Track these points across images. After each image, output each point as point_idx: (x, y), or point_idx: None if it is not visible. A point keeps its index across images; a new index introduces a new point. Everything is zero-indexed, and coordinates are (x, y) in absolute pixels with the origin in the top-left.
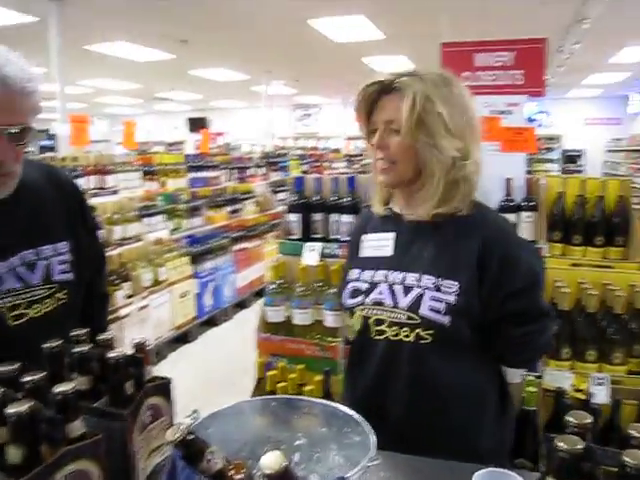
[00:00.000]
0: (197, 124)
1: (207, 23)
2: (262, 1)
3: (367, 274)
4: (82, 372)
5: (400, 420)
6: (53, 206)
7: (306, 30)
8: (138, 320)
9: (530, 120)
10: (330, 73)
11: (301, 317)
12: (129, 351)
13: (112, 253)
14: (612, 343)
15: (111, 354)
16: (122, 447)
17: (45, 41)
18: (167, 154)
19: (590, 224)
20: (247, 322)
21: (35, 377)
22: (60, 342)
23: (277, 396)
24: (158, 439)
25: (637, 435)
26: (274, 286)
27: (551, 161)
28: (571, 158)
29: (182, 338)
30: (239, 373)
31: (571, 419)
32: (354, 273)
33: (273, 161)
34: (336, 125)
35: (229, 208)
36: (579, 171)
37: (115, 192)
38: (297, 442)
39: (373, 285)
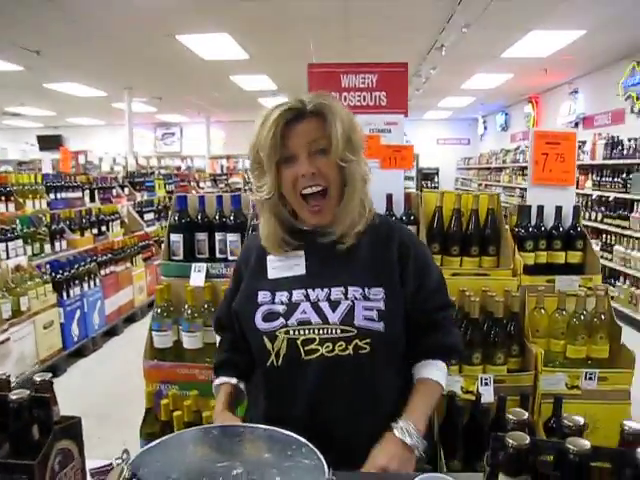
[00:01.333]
0: (50, 142)
1: (63, 33)
2: (124, 13)
3: (281, 295)
4: None
5: (345, 433)
6: None
7: (174, 46)
8: None
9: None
10: (196, 90)
11: (191, 340)
12: (29, 391)
13: None
14: (494, 345)
15: (13, 396)
16: None
17: None
18: (23, 174)
19: (466, 236)
20: (119, 350)
21: None
22: None
23: (206, 425)
24: None
25: (513, 418)
26: (160, 310)
27: (410, 179)
28: (427, 175)
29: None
30: (116, 405)
31: (511, 416)
32: (264, 295)
33: (138, 181)
34: (199, 144)
35: (94, 230)
36: (436, 187)
37: None
38: (235, 471)
39: (293, 305)
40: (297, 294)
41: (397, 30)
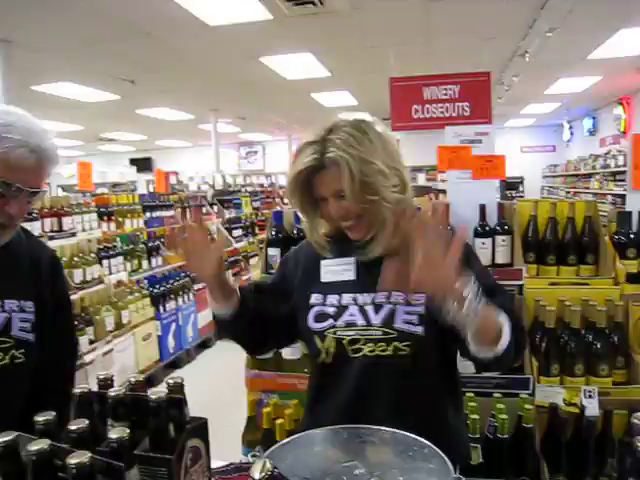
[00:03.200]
0: (142, 164)
1: (158, 63)
2: (214, 41)
3: (332, 298)
4: (118, 418)
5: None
6: (25, 267)
7: (257, 68)
8: (102, 366)
9: None
10: (279, 109)
11: (289, 351)
12: (165, 391)
13: (73, 297)
14: (597, 356)
15: (152, 395)
16: None
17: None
18: (122, 195)
19: (562, 244)
20: (212, 362)
21: (80, 426)
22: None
23: (338, 426)
24: None
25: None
26: None
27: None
28: (511, 185)
29: (147, 383)
30: (212, 413)
31: (637, 421)
32: (317, 298)
33: (225, 199)
34: (282, 161)
35: None
36: (521, 197)
37: (73, 234)
38: (357, 471)
39: (342, 308)
40: (346, 298)
41: (479, 39)
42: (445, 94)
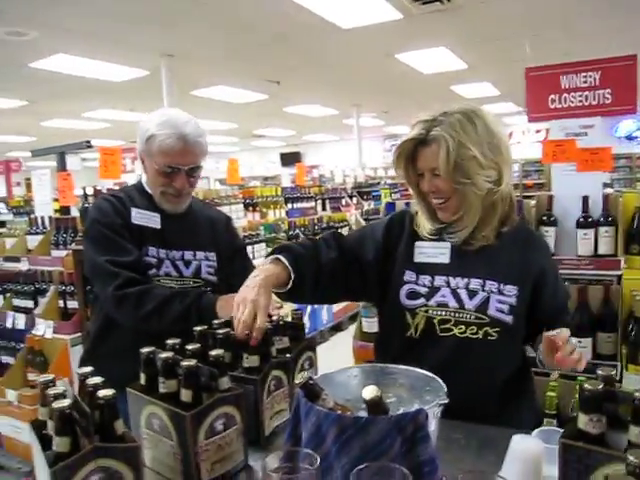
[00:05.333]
0: (290, 158)
1: (298, 64)
2: (349, 42)
3: (424, 278)
4: (226, 348)
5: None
6: (208, 227)
7: (394, 64)
8: None
9: (629, 138)
10: (419, 103)
11: (367, 325)
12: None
13: None
14: None
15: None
16: (255, 404)
17: (157, 91)
18: (266, 187)
19: None
20: (343, 343)
21: (195, 346)
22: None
23: (374, 364)
24: (280, 404)
25: None
26: None
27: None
28: None
29: None
30: None
31: None
32: (410, 275)
33: (365, 191)
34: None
35: None
36: None
37: None
38: (388, 400)
39: (434, 289)
40: (439, 280)
41: (622, 18)
42: (585, 82)
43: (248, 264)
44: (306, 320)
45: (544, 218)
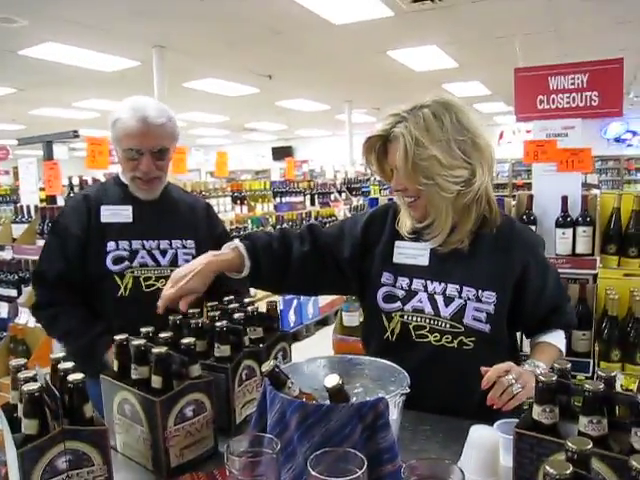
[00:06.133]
0: (282, 153)
1: (290, 58)
2: (341, 37)
3: (403, 280)
4: (199, 337)
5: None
6: (185, 214)
7: (386, 61)
8: None
9: (617, 140)
10: (411, 100)
11: (348, 319)
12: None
13: None
14: None
15: (218, 323)
16: (226, 392)
17: (148, 82)
18: (254, 181)
19: None
20: (327, 337)
21: (167, 334)
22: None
23: (340, 355)
24: (252, 394)
25: None
26: None
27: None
28: None
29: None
30: None
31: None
32: (388, 277)
33: (355, 187)
34: None
35: None
36: None
37: None
38: (356, 390)
39: (411, 293)
40: (417, 282)
41: (612, 19)
42: (572, 83)
43: None
44: (292, 314)
45: (524, 217)
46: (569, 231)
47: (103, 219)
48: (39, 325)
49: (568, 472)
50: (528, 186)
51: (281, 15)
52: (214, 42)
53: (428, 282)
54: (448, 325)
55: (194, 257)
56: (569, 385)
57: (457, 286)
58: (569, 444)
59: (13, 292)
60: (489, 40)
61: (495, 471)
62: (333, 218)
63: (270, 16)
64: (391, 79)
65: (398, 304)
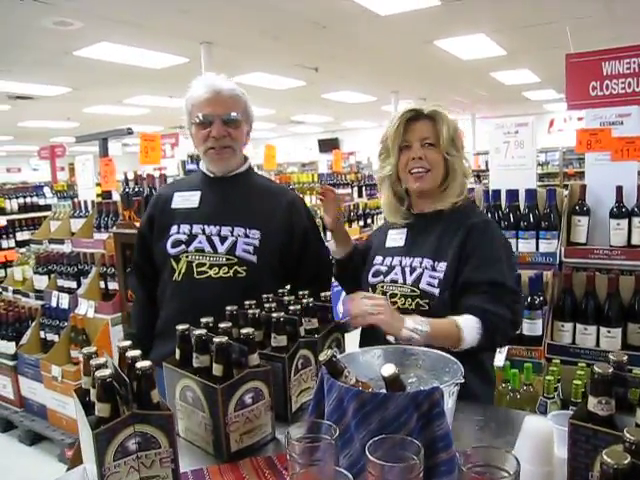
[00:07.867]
0: (328, 145)
1: (336, 51)
2: (387, 28)
3: (387, 260)
4: (256, 327)
5: None
6: (260, 202)
7: (432, 50)
8: None
9: None
10: (459, 89)
11: None
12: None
13: None
14: None
15: (274, 314)
16: (283, 381)
17: (196, 78)
18: (302, 174)
19: None
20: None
21: (227, 325)
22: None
23: (394, 345)
24: (307, 382)
25: None
26: None
27: None
28: None
29: None
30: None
31: None
32: (378, 259)
33: None
34: (465, 141)
35: (361, 222)
36: None
37: None
38: (410, 380)
39: (390, 268)
40: (395, 260)
41: None
42: (628, 68)
43: (314, 249)
44: (340, 305)
45: (577, 207)
46: (624, 222)
47: (173, 205)
48: (98, 315)
49: (626, 462)
50: (580, 175)
51: (327, 7)
52: (260, 37)
53: (402, 258)
54: (409, 290)
55: (255, 248)
56: (625, 377)
57: (420, 259)
58: (627, 435)
59: (73, 284)
60: (538, 26)
61: (549, 461)
62: (381, 209)
63: (316, 9)
64: (438, 69)
65: (380, 277)
